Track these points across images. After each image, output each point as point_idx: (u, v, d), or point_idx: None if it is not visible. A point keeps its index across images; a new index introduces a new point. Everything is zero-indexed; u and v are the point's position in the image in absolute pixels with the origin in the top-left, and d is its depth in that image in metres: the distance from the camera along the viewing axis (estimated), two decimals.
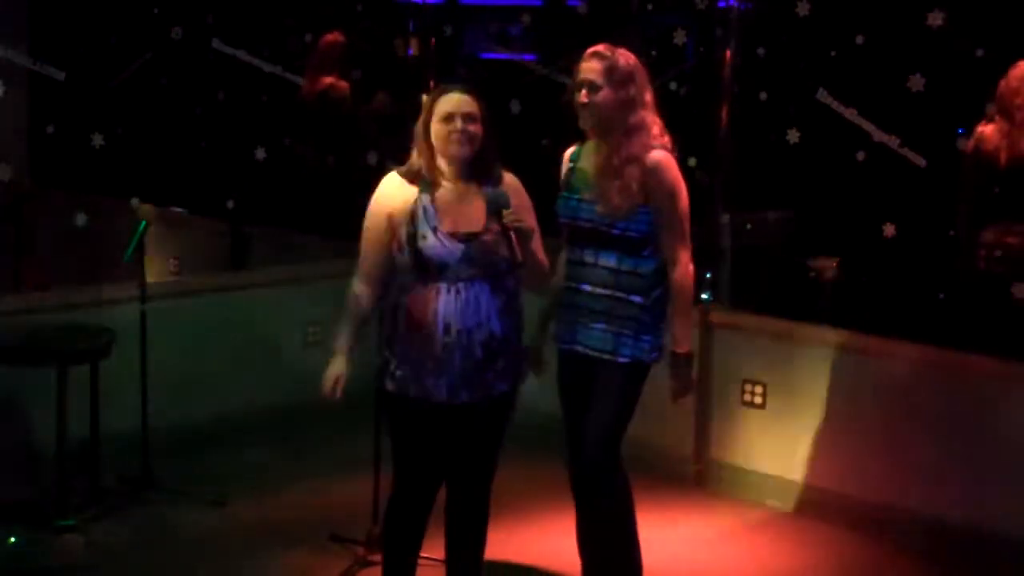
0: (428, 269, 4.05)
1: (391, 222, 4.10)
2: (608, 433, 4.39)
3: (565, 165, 4.50)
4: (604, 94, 4.28)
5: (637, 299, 4.34)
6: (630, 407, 4.42)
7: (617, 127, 4.30)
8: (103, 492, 5.55)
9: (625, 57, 4.33)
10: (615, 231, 4.31)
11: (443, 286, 4.05)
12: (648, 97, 4.36)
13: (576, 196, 4.40)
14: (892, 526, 5.41)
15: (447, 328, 4.05)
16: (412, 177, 4.13)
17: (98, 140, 6.08)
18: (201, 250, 7.93)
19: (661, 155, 4.30)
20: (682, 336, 4.38)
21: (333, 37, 7.60)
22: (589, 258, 4.37)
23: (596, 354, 4.37)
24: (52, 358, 5.31)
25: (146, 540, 5.26)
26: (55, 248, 7.72)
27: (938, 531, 5.29)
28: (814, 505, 5.64)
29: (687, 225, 4.37)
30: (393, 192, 4.13)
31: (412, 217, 4.06)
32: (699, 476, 6.03)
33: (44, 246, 7.92)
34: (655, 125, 4.35)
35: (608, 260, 4.34)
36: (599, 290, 4.36)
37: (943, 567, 5.20)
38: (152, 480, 5.65)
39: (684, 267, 4.35)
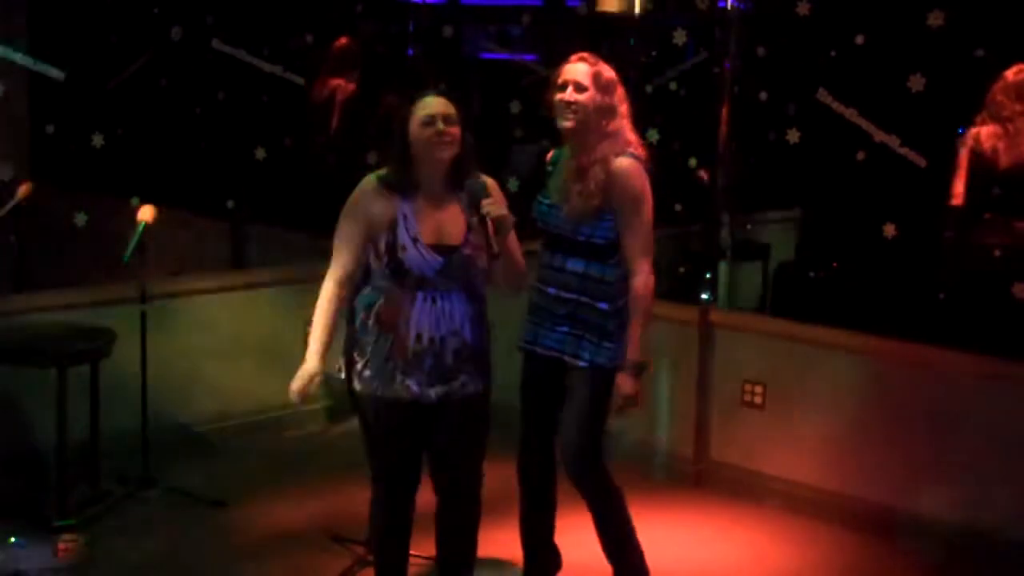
0: (406, 279, 4.05)
1: (370, 227, 4.08)
2: (581, 441, 4.42)
3: (547, 169, 4.56)
4: (590, 95, 4.33)
5: (603, 306, 4.37)
6: (599, 413, 4.42)
7: (594, 131, 4.35)
8: (103, 492, 5.55)
9: (608, 68, 4.40)
10: (580, 237, 4.36)
11: (420, 294, 4.07)
12: (624, 110, 4.41)
13: (547, 201, 4.47)
14: (892, 526, 5.41)
15: (419, 336, 4.07)
16: (391, 184, 4.10)
17: (98, 140, 6.08)
18: (201, 250, 7.93)
19: (627, 162, 4.34)
20: (635, 343, 4.34)
21: (344, 42, 7.65)
22: (558, 262, 4.42)
23: (556, 355, 4.41)
24: (52, 358, 5.31)
25: (146, 540, 5.26)
26: (55, 248, 7.72)
27: (938, 531, 5.29)
28: (814, 505, 5.64)
29: (650, 235, 4.37)
30: (372, 197, 4.10)
31: (392, 226, 4.05)
32: (699, 476, 6.03)
33: (44, 246, 7.91)
34: (632, 137, 4.41)
35: (576, 266, 4.38)
36: (564, 294, 4.40)
37: (943, 567, 5.20)
38: (152, 480, 5.65)
39: (645, 276, 4.34)
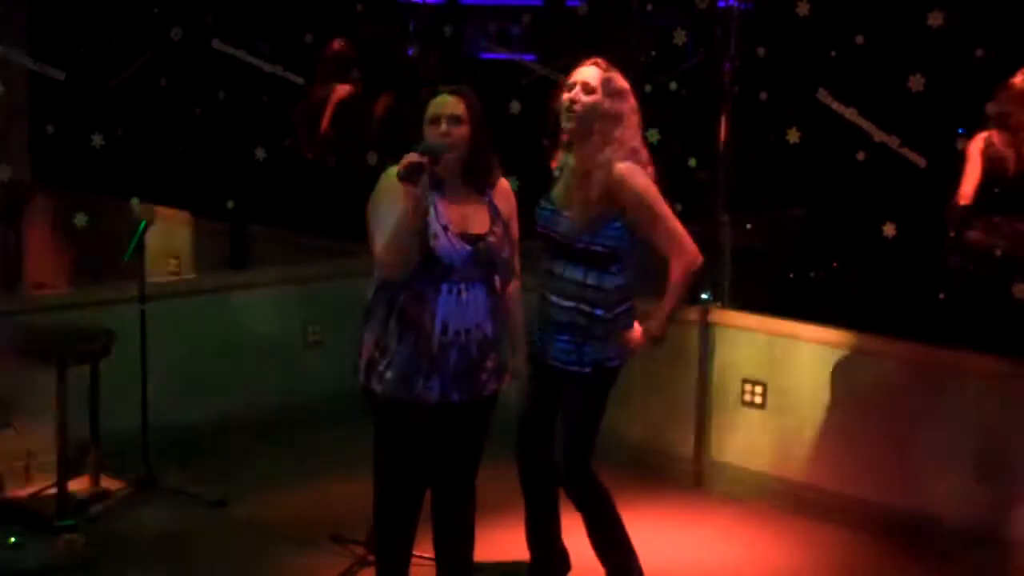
0: (435, 269, 4.03)
1: None
2: (573, 446, 4.46)
3: (554, 174, 4.55)
4: (596, 98, 4.31)
5: (599, 312, 4.38)
6: (595, 415, 4.49)
7: (599, 136, 4.32)
8: (103, 492, 5.55)
9: (621, 78, 4.39)
10: (579, 244, 4.36)
11: (444, 287, 4.04)
12: (635, 121, 4.39)
13: (551, 207, 4.45)
14: (891, 526, 5.41)
15: (444, 328, 4.05)
16: None
17: (98, 140, 6.08)
18: (201, 250, 7.94)
19: (625, 165, 4.32)
20: (662, 318, 4.39)
21: (341, 44, 7.60)
22: (558, 269, 4.43)
23: (561, 365, 4.43)
24: (52, 358, 5.31)
25: (146, 540, 5.26)
26: (55, 248, 7.73)
27: (937, 530, 5.29)
28: (814, 505, 5.65)
29: (673, 221, 4.37)
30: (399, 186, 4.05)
31: (424, 214, 4.02)
32: (699, 476, 6.03)
33: (44, 246, 7.92)
34: (642, 150, 4.39)
35: (575, 273, 4.39)
36: (563, 302, 4.41)
37: (942, 566, 5.20)
38: (152, 480, 5.65)
39: (683, 262, 4.34)
